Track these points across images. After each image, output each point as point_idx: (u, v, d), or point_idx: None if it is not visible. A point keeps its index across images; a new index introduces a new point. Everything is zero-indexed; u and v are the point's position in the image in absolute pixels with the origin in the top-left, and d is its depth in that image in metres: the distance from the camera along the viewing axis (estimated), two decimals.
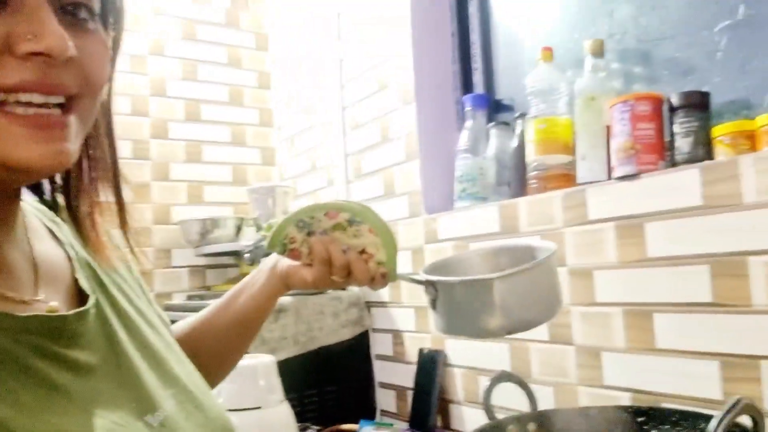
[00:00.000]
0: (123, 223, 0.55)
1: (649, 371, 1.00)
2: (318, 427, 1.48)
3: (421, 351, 1.51)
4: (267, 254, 0.75)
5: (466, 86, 1.59)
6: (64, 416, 0.42)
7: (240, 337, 0.76)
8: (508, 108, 1.51)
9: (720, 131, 0.97)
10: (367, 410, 1.66)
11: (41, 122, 0.41)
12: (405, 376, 1.58)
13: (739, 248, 0.88)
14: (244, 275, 1.79)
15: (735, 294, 0.89)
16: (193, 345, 0.70)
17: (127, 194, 0.56)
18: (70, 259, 0.54)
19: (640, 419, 0.87)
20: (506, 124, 1.39)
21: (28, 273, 0.49)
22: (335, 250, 0.71)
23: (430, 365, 1.47)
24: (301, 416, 1.49)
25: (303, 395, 1.59)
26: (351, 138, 1.84)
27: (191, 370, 0.59)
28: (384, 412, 1.67)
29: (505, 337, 1.27)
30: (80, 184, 0.52)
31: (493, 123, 1.40)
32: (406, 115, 1.59)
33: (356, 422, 1.47)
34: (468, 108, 1.44)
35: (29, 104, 0.41)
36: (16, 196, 0.49)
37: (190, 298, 1.98)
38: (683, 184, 0.95)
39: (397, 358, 1.62)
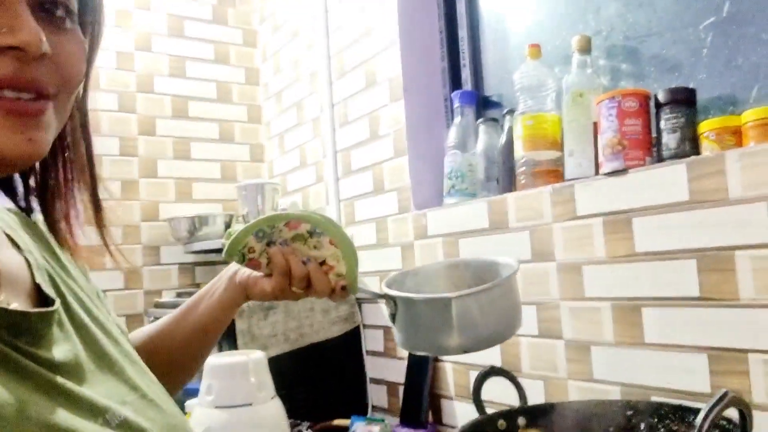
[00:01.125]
0: (100, 224, 0.55)
1: (638, 365, 1.02)
2: (309, 423, 1.48)
3: None
4: (225, 262, 0.74)
5: (455, 83, 1.60)
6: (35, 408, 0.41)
7: (199, 346, 0.75)
8: (496, 104, 1.51)
9: (706, 127, 0.98)
10: (358, 406, 1.66)
11: (15, 109, 0.41)
12: (396, 371, 1.58)
13: (726, 243, 0.90)
14: None
15: (722, 288, 0.90)
16: (151, 354, 0.68)
17: (103, 193, 0.55)
18: (29, 265, 0.53)
19: (628, 413, 0.88)
20: (495, 120, 1.40)
21: None
22: (295, 261, 0.70)
23: (421, 361, 1.47)
24: (292, 412, 1.49)
25: (294, 392, 1.59)
26: (340, 134, 1.84)
27: (151, 380, 0.57)
28: (375, 408, 1.68)
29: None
30: (56, 185, 0.52)
31: (481, 119, 1.40)
32: (395, 112, 1.59)
33: (348, 418, 1.47)
34: (457, 104, 1.44)
35: (2, 98, 0.40)
36: None
37: (179, 295, 1.97)
38: (670, 179, 0.96)
39: (389, 354, 1.63)
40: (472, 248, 1.33)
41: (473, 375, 1.34)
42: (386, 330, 1.64)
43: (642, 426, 0.86)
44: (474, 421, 0.89)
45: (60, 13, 0.44)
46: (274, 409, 1.35)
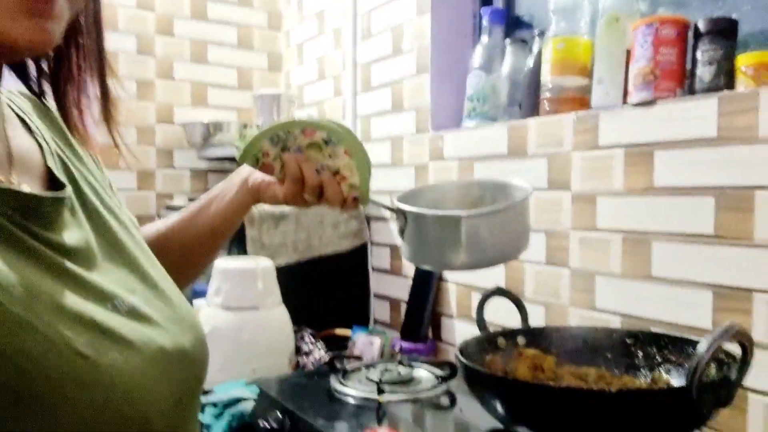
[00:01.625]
0: (108, 116, 0.54)
1: (642, 297, 1.02)
2: (312, 330, 1.52)
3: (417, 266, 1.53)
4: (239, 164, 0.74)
5: None
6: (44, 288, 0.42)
7: (209, 246, 0.76)
8: (527, 25, 1.45)
9: (743, 61, 0.94)
10: (361, 319, 1.71)
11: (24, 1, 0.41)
12: (400, 289, 1.61)
13: (748, 182, 0.88)
14: None
15: (737, 227, 0.90)
16: (162, 249, 0.68)
17: (118, 90, 0.55)
18: (41, 149, 0.53)
19: (628, 340, 0.90)
20: (524, 41, 1.35)
21: (2, 159, 0.48)
22: (308, 169, 0.70)
23: (425, 280, 1.50)
24: (297, 320, 1.53)
25: (300, 301, 1.62)
26: (361, 48, 1.79)
27: (161, 273, 0.58)
28: (377, 322, 1.72)
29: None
30: (68, 72, 0.52)
31: (510, 40, 1.36)
32: (420, 26, 1.54)
33: (350, 327, 1.52)
34: (485, 22, 1.39)
35: None
36: None
37: (191, 200, 1.98)
38: (700, 113, 0.94)
39: (394, 271, 1.65)
40: (488, 173, 1.32)
41: (475, 296, 1.37)
42: (393, 248, 1.65)
43: (640, 354, 0.87)
44: (475, 338, 0.91)
45: None
46: (279, 315, 1.39)
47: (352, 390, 1.09)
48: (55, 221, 0.47)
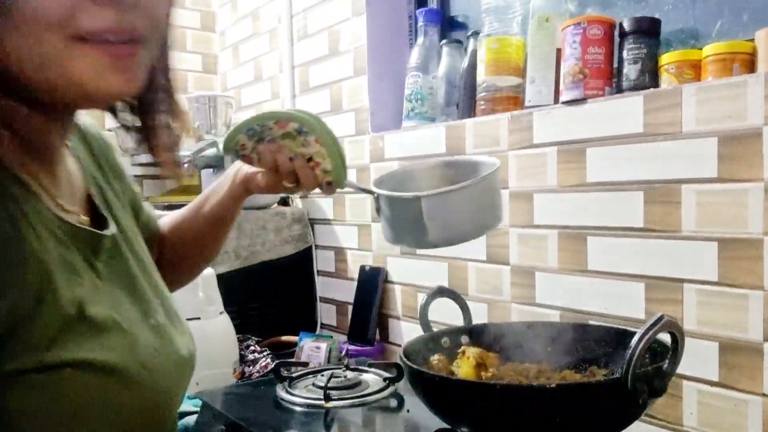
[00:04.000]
0: (177, 138, 0.64)
1: (579, 291, 1.05)
2: (258, 338, 1.50)
3: (362, 268, 1.53)
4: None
5: (420, 0, 1.54)
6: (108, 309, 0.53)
7: (213, 234, 0.85)
8: (461, 25, 1.47)
9: (666, 60, 0.97)
10: (308, 324, 1.69)
11: (116, 53, 0.47)
12: (346, 291, 1.60)
13: (674, 176, 0.91)
14: (184, 187, 1.74)
15: (665, 220, 0.93)
16: (179, 238, 0.83)
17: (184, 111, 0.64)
18: (83, 174, 0.62)
19: (567, 334, 0.92)
20: (459, 42, 1.36)
21: (67, 184, 0.57)
22: (281, 158, 0.74)
23: (370, 282, 1.49)
24: (242, 328, 1.50)
25: (245, 308, 1.60)
26: (298, 48, 1.77)
27: (166, 288, 0.68)
28: (324, 326, 1.71)
29: (444, 256, 1.30)
30: (151, 104, 0.60)
31: (445, 41, 1.37)
32: (356, 27, 1.53)
33: (297, 334, 1.50)
34: (421, 23, 1.39)
35: (105, 43, 0.46)
36: (74, 117, 0.57)
37: None
38: (627, 111, 0.97)
39: (339, 274, 1.64)
40: None
41: (421, 296, 1.37)
42: (338, 251, 1.64)
43: (579, 348, 0.90)
44: (419, 338, 0.91)
45: None
46: (222, 324, 1.35)
47: (299, 398, 1.08)
48: (105, 252, 0.57)
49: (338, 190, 0.79)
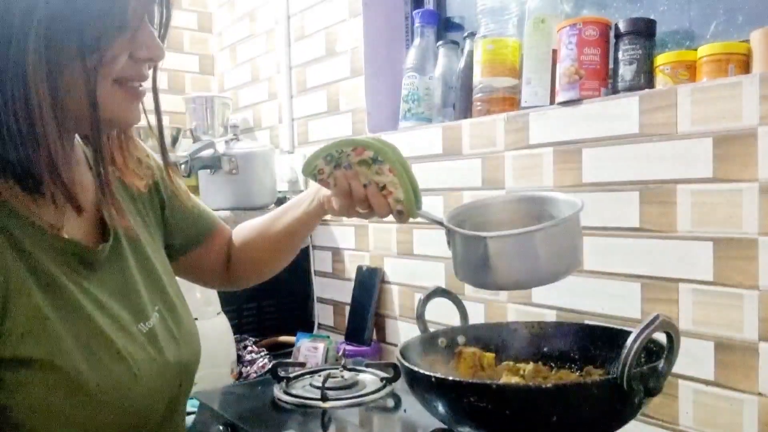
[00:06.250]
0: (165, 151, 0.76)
1: (575, 291, 1.05)
2: (256, 339, 1.50)
3: (359, 268, 1.53)
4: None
5: (417, 1, 1.54)
6: (82, 320, 0.59)
7: (288, 245, 0.90)
8: (458, 26, 1.47)
9: (662, 60, 0.98)
10: (305, 324, 1.69)
11: (138, 95, 0.63)
12: (343, 292, 1.60)
13: (670, 176, 0.92)
14: None
15: (661, 220, 0.93)
16: (255, 242, 0.89)
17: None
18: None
19: (563, 334, 0.92)
20: (455, 43, 1.36)
21: (81, 191, 0.65)
22: (356, 185, 0.77)
23: (368, 282, 1.49)
24: (239, 328, 1.50)
25: (242, 308, 1.60)
26: (295, 49, 1.77)
27: (178, 291, 0.74)
28: (321, 326, 1.71)
29: (441, 257, 1.30)
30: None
31: (441, 41, 1.37)
32: (353, 28, 1.53)
33: (294, 335, 1.50)
34: (417, 24, 1.40)
35: (136, 89, 0.63)
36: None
37: None
38: (622, 111, 0.97)
39: (336, 274, 1.64)
40: (425, 174, 1.33)
41: (418, 296, 1.37)
42: (335, 251, 1.64)
43: (575, 347, 0.90)
44: (416, 338, 0.92)
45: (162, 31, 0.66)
46: (219, 324, 1.35)
47: (296, 398, 1.08)
48: (99, 261, 0.65)
49: (411, 219, 0.79)
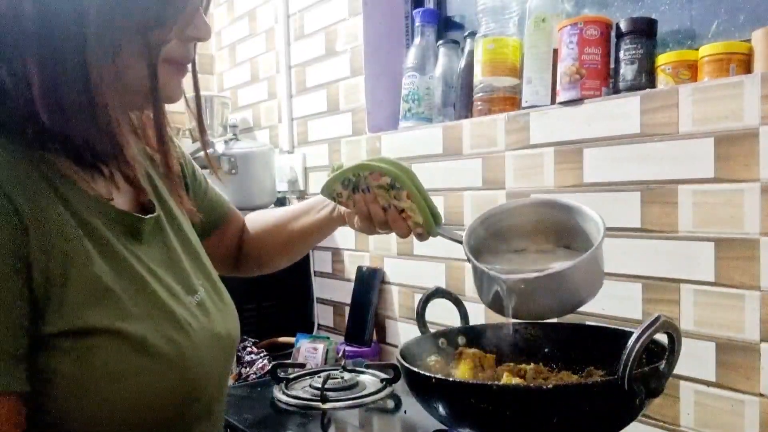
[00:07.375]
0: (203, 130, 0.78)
1: None
2: (255, 340, 1.49)
3: (359, 269, 1.53)
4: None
5: (417, 0, 1.54)
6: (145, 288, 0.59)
7: (302, 244, 0.91)
8: (458, 26, 1.47)
9: (663, 60, 0.98)
10: (305, 324, 1.69)
11: (183, 72, 0.65)
12: (343, 292, 1.60)
13: (671, 176, 0.91)
14: None
15: (662, 220, 0.93)
16: (272, 234, 0.90)
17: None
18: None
19: (564, 335, 0.91)
20: (455, 42, 1.36)
21: (137, 165, 0.67)
22: (374, 209, 0.78)
23: (367, 282, 1.49)
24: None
25: (242, 309, 1.59)
26: (295, 48, 1.77)
27: (212, 266, 0.75)
28: (321, 327, 1.71)
29: (441, 257, 1.29)
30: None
31: (442, 41, 1.37)
32: (353, 27, 1.53)
33: (294, 335, 1.49)
34: (418, 23, 1.39)
35: (185, 68, 0.65)
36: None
37: None
38: (624, 111, 0.97)
39: (336, 275, 1.64)
40: (426, 174, 1.32)
41: (418, 297, 1.37)
42: (334, 252, 1.64)
43: (576, 348, 0.89)
44: (416, 339, 0.91)
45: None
46: None
47: (296, 399, 1.08)
48: (146, 232, 0.64)
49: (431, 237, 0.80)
